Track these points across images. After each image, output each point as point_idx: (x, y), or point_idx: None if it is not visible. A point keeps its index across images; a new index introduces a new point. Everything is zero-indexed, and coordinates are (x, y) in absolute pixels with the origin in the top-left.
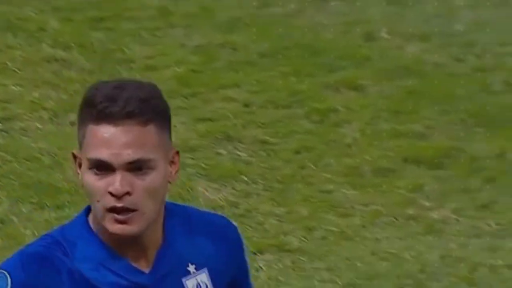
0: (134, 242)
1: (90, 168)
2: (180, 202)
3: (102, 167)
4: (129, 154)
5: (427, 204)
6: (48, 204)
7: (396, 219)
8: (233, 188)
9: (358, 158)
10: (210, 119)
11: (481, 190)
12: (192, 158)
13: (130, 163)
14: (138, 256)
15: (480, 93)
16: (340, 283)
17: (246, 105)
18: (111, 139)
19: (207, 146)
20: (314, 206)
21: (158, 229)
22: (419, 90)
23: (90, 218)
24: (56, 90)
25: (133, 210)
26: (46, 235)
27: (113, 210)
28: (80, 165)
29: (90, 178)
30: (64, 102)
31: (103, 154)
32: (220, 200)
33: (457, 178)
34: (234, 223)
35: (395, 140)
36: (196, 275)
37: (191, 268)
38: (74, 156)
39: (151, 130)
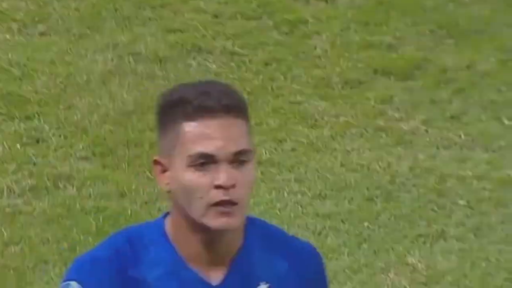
0: (211, 251)
1: (190, 166)
2: (150, 114)
3: (206, 162)
4: (234, 146)
5: (397, 115)
6: (17, 115)
7: (366, 131)
8: None
9: (328, 69)
10: (179, 30)
11: (451, 101)
12: (162, 70)
13: (235, 154)
14: (210, 268)
15: (450, 4)
16: (309, 194)
17: (216, 16)
18: (213, 132)
19: (177, 57)
20: (283, 118)
21: (239, 237)
22: (389, 0)
23: (168, 225)
24: (25, 1)
25: (235, 204)
26: (122, 232)
27: (218, 204)
28: (164, 171)
29: (192, 176)
30: (33, 12)
31: (208, 147)
32: None
33: (427, 89)
34: (320, 253)
35: (365, 51)
36: None
37: (262, 287)
38: (157, 162)
39: (243, 123)
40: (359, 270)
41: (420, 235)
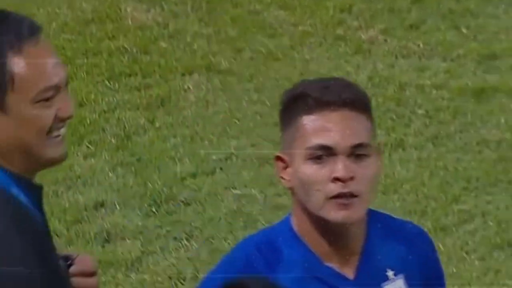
0: (340, 245)
1: (308, 159)
2: (108, 23)
3: (324, 154)
4: (352, 139)
5: (356, 24)
6: None
7: (325, 40)
8: (162, 9)
9: None
10: None
11: (409, 10)
12: None
13: (353, 147)
14: (342, 262)
15: None
16: (268, 103)
17: None
18: (332, 125)
19: None
20: (242, 27)
21: (363, 230)
22: None
23: (294, 224)
24: None
25: (355, 196)
26: (249, 239)
27: (337, 196)
28: (285, 168)
29: (310, 169)
30: None
31: (326, 139)
32: (149, 20)
33: None
34: (426, 231)
35: None
36: (394, 281)
37: (390, 273)
38: (278, 159)
39: (363, 117)
40: None
41: (378, 144)
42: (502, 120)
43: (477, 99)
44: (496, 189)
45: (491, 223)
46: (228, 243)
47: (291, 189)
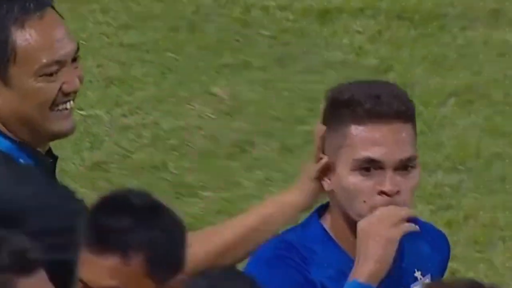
0: None
1: (355, 170)
2: None
3: (371, 167)
4: (401, 153)
5: None
6: None
7: None
8: None
9: None
10: None
11: None
12: None
13: (401, 161)
14: None
15: None
16: (114, 24)
17: None
18: (382, 138)
19: None
20: None
21: None
22: None
23: (327, 223)
24: None
25: None
26: (280, 240)
27: None
28: (327, 170)
29: (356, 179)
30: None
31: (375, 153)
32: None
33: None
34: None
35: None
36: (422, 281)
37: (418, 274)
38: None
39: (410, 128)
40: (164, 100)
41: (224, 65)
42: (346, 41)
43: (321, 20)
44: None
45: None
46: (74, 164)
47: (331, 192)
